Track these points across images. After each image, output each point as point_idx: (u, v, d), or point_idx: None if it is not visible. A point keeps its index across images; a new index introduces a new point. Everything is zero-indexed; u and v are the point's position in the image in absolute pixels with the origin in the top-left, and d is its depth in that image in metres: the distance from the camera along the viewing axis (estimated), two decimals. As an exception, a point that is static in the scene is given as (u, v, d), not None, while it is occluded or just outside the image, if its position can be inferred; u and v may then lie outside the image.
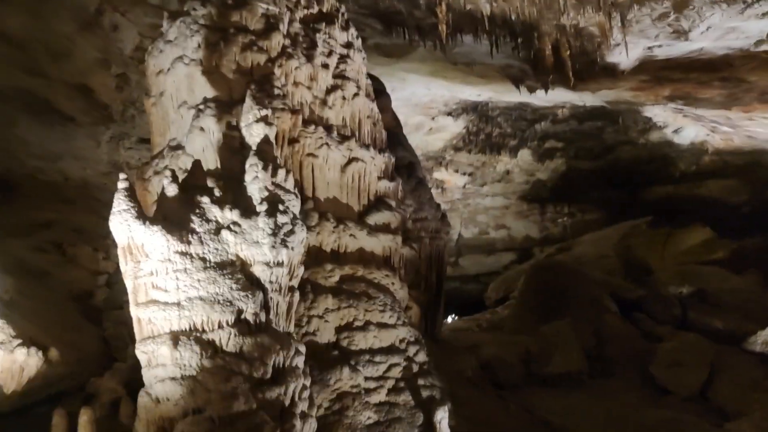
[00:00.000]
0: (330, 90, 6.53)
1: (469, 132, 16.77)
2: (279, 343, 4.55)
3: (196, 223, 4.50)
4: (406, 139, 9.80)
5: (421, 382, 6.04)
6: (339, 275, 6.08)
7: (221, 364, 4.21)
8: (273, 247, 4.59)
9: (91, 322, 9.21)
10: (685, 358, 9.69)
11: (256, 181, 4.81)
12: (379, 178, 6.92)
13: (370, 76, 7.72)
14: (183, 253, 4.33)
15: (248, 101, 5.24)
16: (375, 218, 6.66)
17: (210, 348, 4.24)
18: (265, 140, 5.13)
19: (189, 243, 4.36)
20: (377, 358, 5.88)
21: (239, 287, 4.43)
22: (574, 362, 9.92)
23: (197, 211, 4.57)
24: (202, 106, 5.59)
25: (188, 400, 4.11)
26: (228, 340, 4.30)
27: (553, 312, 11.41)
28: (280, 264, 4.65)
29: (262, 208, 4.69)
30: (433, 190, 17.69)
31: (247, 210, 4.68)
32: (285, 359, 4.57)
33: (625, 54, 9.71)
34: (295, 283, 4.95)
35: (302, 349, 4.80)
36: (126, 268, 4.32)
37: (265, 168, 4.89)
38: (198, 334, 4.25)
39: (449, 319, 15.78)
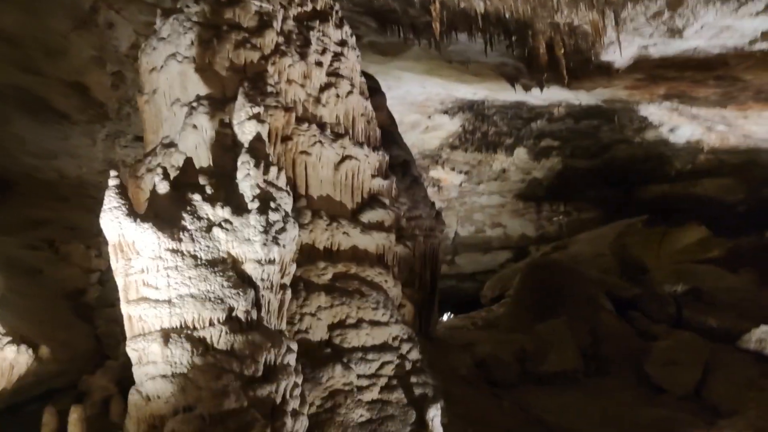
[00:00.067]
0: (324, 88, 6.52)
1: (465, 130, 16.75)
2: (270, 340, 4.54)
3: (187, 221, 4.49)
4: (401, 138, 9.81)
5: (413, 379, 6.03)
6: (332, 273, 6.07)
7: (212, 362, 4.20)
8: (264, 244, 4.58)
9: (83, 319, 9.21)
10: (680, 356, 9.70)
11: (247, 179, 4.80)
12: (373, 176, 6.91)
13: (364, 74, 7.71)
14: (174, 251, 4.32)
15: (240, 99, 5.23)
16: (368, 216, 6.65)
17: (201, 345, 4.23)
18: (258, 138, 5.12)
19: (180, 240, 4.35)
20: (370, 356, 5.88)
21: (230, 285, 4.42)
22: (570, 361, 9.92)
23: (188, 208, 4.55)
24: (195, 104, 5.57)
25: (179, 398, 4.10)
26: (219, 337, 4.30)
27: (549, 310, 11.41)
28: (271, 261, 4.64)
29: (253, 205, 4.68)
30: (430, 189, 17.74)
31: (239, 207, 4.67)
32: (276, 357, 4.56)
33: (619, 52, 9.71)
34: (287, 280, 4.94)
35: (294, 346, 4.79)
36: (117, 265, 4.31)
37: (257, 165, 4.88)
38: (189, 332, 4.23)
39: (445, 317, 15.82)
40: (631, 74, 11.33)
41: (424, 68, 11.90)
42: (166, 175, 4.69)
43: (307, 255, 5.92)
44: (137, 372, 4.22)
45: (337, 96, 6.60)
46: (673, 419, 8.02)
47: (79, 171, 11.57)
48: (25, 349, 6.86)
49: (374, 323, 6.11)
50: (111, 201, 4.25)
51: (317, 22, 6.68)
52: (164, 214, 4.55)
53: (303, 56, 6.31)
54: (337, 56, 6.73)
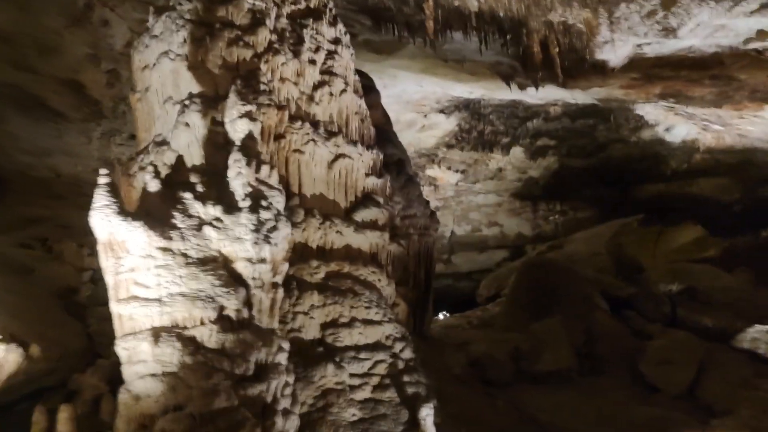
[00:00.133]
0: (317, 86, 6.50)
1: (462, 129, 16.74)
2: (261, 339, 4.54)
3: (178, 219, 4.49)
4: (396, 136, 9.78)
5: (406, 379, 6.02)
6: (325, 272, 6.06)
7: (202, 361, 4.20)
8: (256, 243, 4.58)
9: (75, 318, 9.18)
10: (674, 355, 9.69)
11: (239, 177, 4.80)
12: (367, 175, 6.90)
13: (359, 72, 7.69)
14: (164, 249, 4.32)
15: (232, 97, 5.22)
16: (362, 215, 6.64)
17: (191, 344, 4.23)
18: (249, 136, 5.12)
19: (170, 239, 4.35)
20: (363, 355, 5.87)
21: (221, 283, 4.42)
22: (564, 360, 9.91)
23: (179, 206, 4.56)
24: (187, 102, 5.55)
25: (169, 397, 4.10)
26: (209, 336, 4.30)
27: (544, 309, 11.40)
28: (262, 260, 4.64)
29: (245, 204, 4.69)
30: (426, 188, 17.78)
31: (230, 206, 4.67)
32: (267, 356, 4.56)
33: (614, 51, 9.71)
34: (279, 279, 4.94)
35: (285, 345, 4.79)
36: (106, 264, 4.30)
37: (248, 164, 4.89)
38: (179, 331, 4.23)
39: (441, 316, 15.81)
40: (627, 73, 11.31)
41: (419, 67, 11.88)
42: (157, 173, 4.69)
43: (300, 254, 5.91)
44: (127, 371, 4.21)
45: (331, 94, 6.58)
46: (667, 418, 8.01)
47: (75, 169, 11.54)
48: (14, 348, 6.84)
49: (367, 322, 6.10)
50: (101, 199, 4.25)
51: (311, 20, 6.65)
52: (156, 212, 4.56)
53: (296, 54, 6.29)
54: (330, 54, 6.71)
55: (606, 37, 9.39)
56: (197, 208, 4.56)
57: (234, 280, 4.50)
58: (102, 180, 4.33)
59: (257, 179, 4.91)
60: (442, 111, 15.58)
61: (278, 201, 4.97)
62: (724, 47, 9.92)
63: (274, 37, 6.14)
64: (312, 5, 6.77)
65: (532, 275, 12.79)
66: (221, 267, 4.50)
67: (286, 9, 6.47)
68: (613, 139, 17.61)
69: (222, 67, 5.80)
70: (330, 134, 6.44)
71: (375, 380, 5.82)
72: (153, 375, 4.13)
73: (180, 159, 5.22)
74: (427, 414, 5.67)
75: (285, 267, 5.04)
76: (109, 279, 4.31)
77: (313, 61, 6.47)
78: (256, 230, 4.60)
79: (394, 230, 7.94)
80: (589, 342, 10.59)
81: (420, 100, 14.62)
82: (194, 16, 5.91)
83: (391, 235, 7.46)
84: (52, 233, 10.74)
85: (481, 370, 9.41)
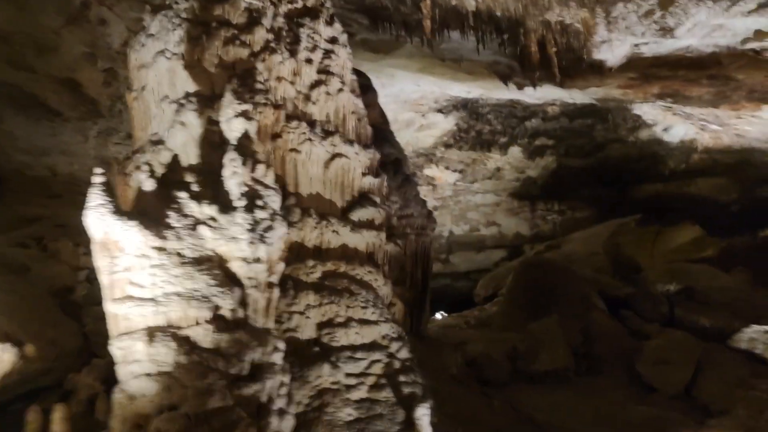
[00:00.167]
0: (314, 85, 6.47)
1: (460, 129, 16.74)
2: (256, 339, 4.53)
3: (173, 219, 4.48)
4: (393, 136, 9.77)
5: (402, 378, 6.00)
6: (321, 271, 6.04)
7: (197, 361, 4.19)
8: (251, 242, 4.57)
9: (71, 317, 9.15)
10: (671, 355, 9.69)
11: (234, 177, 4.79)
12: (364, 174, 6.88)
13: (356, 71, 7.67)
14: (159, 249, 4.31)
15: (228, 96, 5.21)
16: (358, 214, 6.62)
17: (186, 344, 4.21)
18: (245, 135, 5.11)
19: (165, 238, 4.34)
20: (359, 355, 5.86)
21: (216, 283, 4.40)
22: (561, 360, 9.91)
23: (175, 206, 4.55)
24: (183, 101, 5.54)
25: (163, 397, 4.09)
26: (204, 336, 4.28)
27: (542, 309, 11.40)
28: (258, 260, 4.63)
29: (240, 203, 4.67)
30: (424, 187, 17.78)
31: (226, 205, 4.66)
32: (263, 356, 4.55)
33: (611, 51, 9.71)
34: (275, 279, 4.92)
35: (281, 345, 4.78)
36: (101, 263, 4.29)
37: (244, 163, 4.88)
38: (174, 330, 4.22)
39: (439, 316, 15.82)
40: (624, 73, 11.32)
41: (417, 66, 11.87)
42: (152, 172, 4.69)
43: (296, 253, 5.89)
44: (122, 370, 4.20)
45: (328, 93, 6.56)
46: (663, 418, 8.02)
47: (71, 168, 11.53)
48: (9, 347, 6.83)
49: (363, 322, 6.08)
50: (96, 198, 4.24)
51: (307, 19, 6.63)
52: (151, 211, 4.56)
53: (293, 53, 6.27)
54: (327, 53, 6.69)
55: (603, 36, 9.39)
56: (192, 207, 4.55)
57: (229, 279, 4.49)
58: (97, 179, 4.32)
59: (253, 178, 4.90)
60: (440, 110, 15.58)
61: (274, 200, 4.96)
62: (721, 47, 9.92)
63: (270, 36, 6.12)
64: (309, 4, 6.74)
65: (529, 275, 12.80)
66: (216, 267, 4.49)
67: (283, 8, 6.45)
68: (611, 139, 17.62)
69: (218, 66, 5.78)
70: (327, 133, 6.43)
71: (371, 380, 5.80)
72: (148, 375, 4.12)
73: (176, 158, 5.20)
74: (423, 414, 5.65)
75: (281, 267, 5.03)
76: (103, 278, 4.30)
77: (309, 61, 6.46)
78: (252, 230, 4.59)
79: (391, 230, 7.93)
80: (587, 342, 10.59)
81: (418, 99, 14.62)
82: (191, 14, 5.89)
83: (388, 235, 7.45)
84: (49, 232, 10.71)
85: (478, 369, 9.40)
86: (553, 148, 18.21)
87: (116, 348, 4.20)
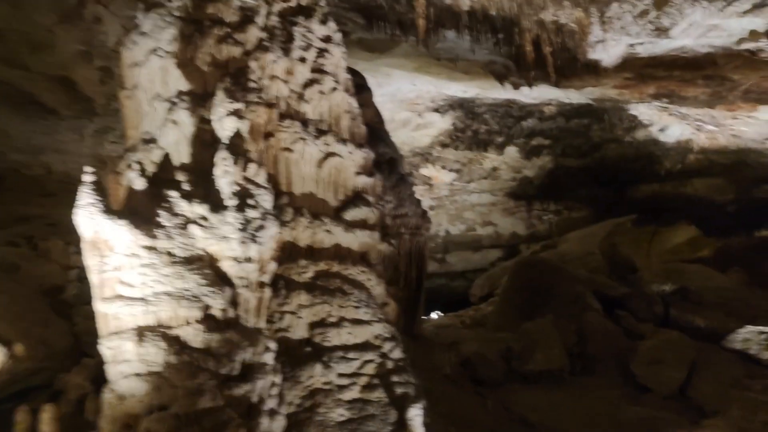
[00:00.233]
0: (307, 84, 6.44)
1: (456, 128, 16.71)
2: (247, 339, 4.52)
3: (163, 218, 4.46)
4: (388, 135, 9.76)
5: (395, 379, 5.98)
6: (313, 271, 6.01)
7: (187, 361, 4.18)
8: (242, 242, 4.56)
9: (61, 317, 9.13)
10: (666, 356, 9.68)
11: (225, 175, 4.77)
12: (357, 174, 6.85)
13: (351, 70, 7.64)
14: (149, 248, 4.29)
15: (220, 94, 5.19)
16: (352, 214, 6.60)
17: (176, 344, 4.20)
18: (237, 134, 5.09)
19: (156, 237, 4.33)
20: (351, 355, 5.83)
21: (207, 282, 4.39)
22: (556, 360, 9.91)
23: (165, 205, 4.53)
24: (176, 99, 5.51)
25: (153, 397, 4.08)
26: (195, 335, 4.27)
27: (537, 309, 11.41)
28: (249, 259, 4.62)
29: (231, 202, 4.66)
30: (421, 187, 17.79)
31: (217, 205, 4.64)
32: (253, 356, 4.54)
33: (606, 51, 9.70)
34: (266, 278, 4.91)
35: (272, 345, 4.77)
36: (91, 262, 4.27)
37: (235, 162, 4.86)
38: (164, 330, 4.21)
39: (435, 316, 15.84)
40: (620, 73, 11.30)
41: (413, 65, 11.84)
42: (143, 171, 4.67)
43: (288, 253, 5.87)
44: (111, 370, 4.19)
45: (321, 92, 6.53)
46: (657, 419, 8.02)
47: (66, 166, 11.51)
48: (-2, 347, 6.82)
49: (356, 322, 6.06)
50: (86, 197, 4.22)
51: (301, 17, 6.59)
52: (142, 210, 4.54)
53: (286, 52, 6.24)
54: (321, 52, 6.66)
55: (598, 36, 9.39)
56: (183, 206, 4.53)
57: (220, 279, 4.47)
58: (87, 178, 4.31)
59: (245, 178, 4.88)
60: (436, 110, 15.55)
61: (266, 200, 4.94)
62: (717, 47, 9.92)
63: (264, 35, 6.09)
64: (303, 3, 6.70)
65: (525, 275, 12.81)
66: (207, 266, 4.48)
67: (277, 6, 6.41)
68: (608, 139, 17.62)
69: (211, 64, 5.76)
70: (320, 132, 6.40)
71: (364, 380, 5.78)
72: (137, 374, 4.11)
73: (167, 157, 5.19)
74: (415, 414, 5.64)
75: (272, 266, 5.02)
76: (93, 277, 4.28)
77: (303, 59, 6.42)
78: (243, 229, 4.57)
79: (385, 229, 7.91)
80: (581, 342, 10.59)
81: (414, 98, 14.60)
82: (183, 13, 5.86)
83: (382, 235, 7.43)
84: (40, 231, 10.69)
85: (472, 369, 9.40)
86: (550, 147, 18.20)
87: (106, 347, 4.19)
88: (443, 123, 16.36)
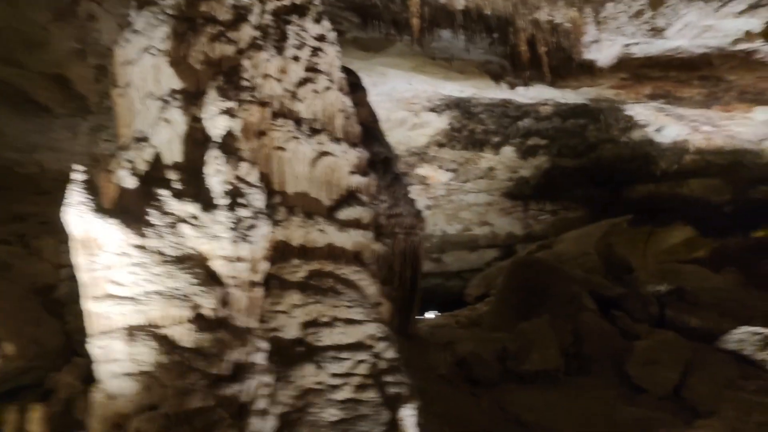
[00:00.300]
0: (301, 83, 6.40)
1: (453, 128, 16.69)
2: (239, 339, 4.50)
3: (154, 217, 4.44)
4: (383, 135, 9.74)
5: (388, 379, 5.95)
6: (306, 270, 5.97)
7: (178, 360, 4.16)
8: (233, 241, 4.54)
9: (52, 315, 9.09)
10: (661, 356, 9.68)
11: (217, 174, 4.75)
12: (351, 173, 6.82)
13: (346, 69, 7.61)
14: (140, 247, 4.27)
15: (211, 93, 5.17)
16: (345, 213, 6.56)
17: (166, 343, 4.18)
18: (229, 133, 5.07)
19: (146, 236, 4.30)
20: (343, 355, 5.80)
21: (198, 282, 4.37)
22: (551, 360, 9.89)
23: (156, 203, 4.50)
24: (168, 98, 5.49)
25: (143, 396, 4.06)
26: (185, 335, 4.25)
27: (533, 309, 11.39)
28: (240, 258, 4.59)
29: (223, 201, 4.64)
30: (417, 187, 17.76)
31: (208, 204, 4.62)
32: (245, 355, 4.52)
33: (601, 51, 9.69)
34: (258, 278, 4.89)
35: (263, 345, 4.75)
36: (80, 261, 4.25)
37: (227, 161, 4.83)
38: (154, 329, 4.19)
39: (432, 316, 15.83)
40: (616, 73, 11.30)
41: (408, 65, 11.82)
42: (135, 170, 4.64)
43: (281, 252, 5.83)
44: (101, 370, 4.17)
45: (315, 91, 6.50)
46: (652, 419, 8.02)
47: (60, 165, 11.46)
48: (-12, 346, 6.78)
49: (349, 321, 6.02)
50: (76, 196, 4.20)
51: (295, 16, 6.57)
52: (133, 209, 4.51)
53: (280, 51, 6.21)
54: (315, 51, 6.63)
55: (593, 36, 9.37)
56: (174, 205, 4.51)
57: (211, 278, 4.45)
58: (77, 176, 4.28)
59: (237, 176, 4.86)
60: (433, 109, 15.53)
61: (258, 199, 4.92)
62: (712, 48, 9.92)
63: (257, 33, 6.07)
64: (297, 1, 6.68)
65: (520, 275, 12.80)
66: (198, 265, 4.45)
67: (270, 5, 6.38)
68: (604, 139, 17.61)
69: (204, 62, 5.73)
70: (313, 131, 6.37)
71: (356, 380, 5.75)
72: (127, 374, 4.09)
73: (159, 155, 5.16)
74: (408, 414, 5.61)
75: (265, 266, 5.00)
76: (82, 276, 4.26)
77: (296, 58, 6.40)
78: (234, 228, 4.55)
79: (379, 229, 7.88)
80: (577, 342, 10.58)
81: (410, 98, 14.57)
82: (176, 11, 5.84)
83: (377, 234, 7.39)
84: (32, 229, 10.64)
85: (467, 369, 9.38)
86: (546, 147, 18.18)
87: (96, 347, 4.16)
88: (440, 123, 16.33)
